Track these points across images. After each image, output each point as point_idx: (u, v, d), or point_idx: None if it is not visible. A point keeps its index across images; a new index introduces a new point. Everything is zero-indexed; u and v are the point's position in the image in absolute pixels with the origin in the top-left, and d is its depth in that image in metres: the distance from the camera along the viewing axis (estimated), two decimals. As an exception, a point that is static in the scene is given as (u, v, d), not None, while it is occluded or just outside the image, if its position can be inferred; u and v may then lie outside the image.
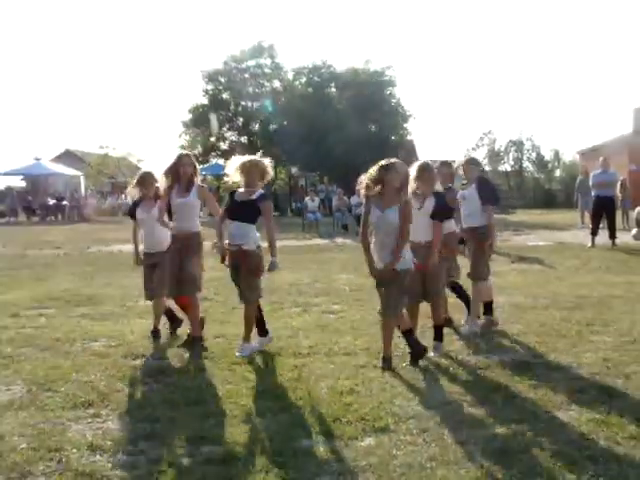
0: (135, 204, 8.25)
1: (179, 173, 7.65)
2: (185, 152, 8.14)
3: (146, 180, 8.08)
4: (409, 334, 6.82)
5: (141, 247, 8.28)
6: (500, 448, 4.64)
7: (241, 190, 7.26)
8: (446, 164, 8.41)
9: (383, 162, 6.59)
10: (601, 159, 18.77)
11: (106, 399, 5.75)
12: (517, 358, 6.91)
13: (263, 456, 4.54)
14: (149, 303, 10.07)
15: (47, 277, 13.37)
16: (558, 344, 7.43)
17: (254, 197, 7.15)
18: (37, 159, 41.58)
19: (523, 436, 4.84)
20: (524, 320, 8.59)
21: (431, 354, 7.00)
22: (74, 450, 4.66)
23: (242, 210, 7.15)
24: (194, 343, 7.52)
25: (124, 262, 15.83)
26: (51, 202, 36.58)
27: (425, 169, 7.11)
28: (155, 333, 7.99)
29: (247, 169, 7.21)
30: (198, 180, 7.85)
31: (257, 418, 5.28)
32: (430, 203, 7.10)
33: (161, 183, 7.81)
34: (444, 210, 7.23)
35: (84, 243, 20.97)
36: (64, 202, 36.38)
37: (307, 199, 28.73)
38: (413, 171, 7.02)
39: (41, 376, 6.40)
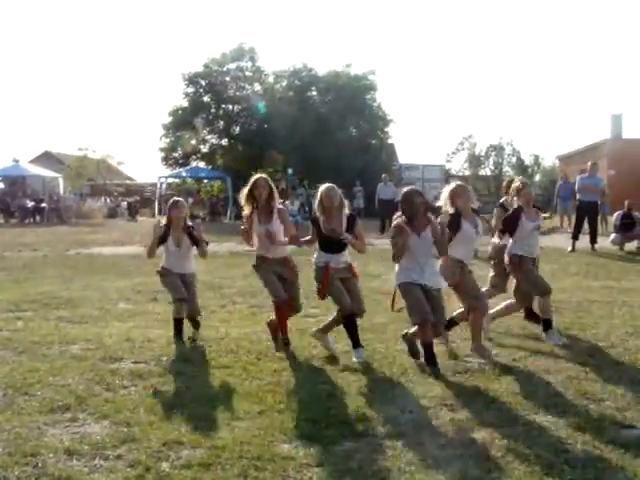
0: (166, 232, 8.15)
1: (255, 197, 7.59)
2: (259, 175, 7.87)
3: (179, 206, 8.19)
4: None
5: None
6: (478, 452, 4.65)
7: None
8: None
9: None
10: (590, 163, 18.67)
11: (83, 403, 5.70)
12: (496, 362, 6.92)
13: (242, 460, 4.52)
14: (127, 307, 10.08)
15: (25, 280, 13.25)
16: (537, 348, 7.46)
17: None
18: (15, 160, 41.20)
19: (501, 440, 4.85)
20: (504, 324, 8.61)
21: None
22: (50, 455, 4.62)
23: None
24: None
25: (103, 265, 15.78)
26: (29, 204, 36.26)
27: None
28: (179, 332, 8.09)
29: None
30: (277, 202, 7.73)
31: (236, 422, 5.26)
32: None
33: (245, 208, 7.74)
34: None
35: (63, 245, 20.82)
36: (43, 204, 36.11)
37: (287, 202, 28.69)
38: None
39: (18, 380, 6.34)
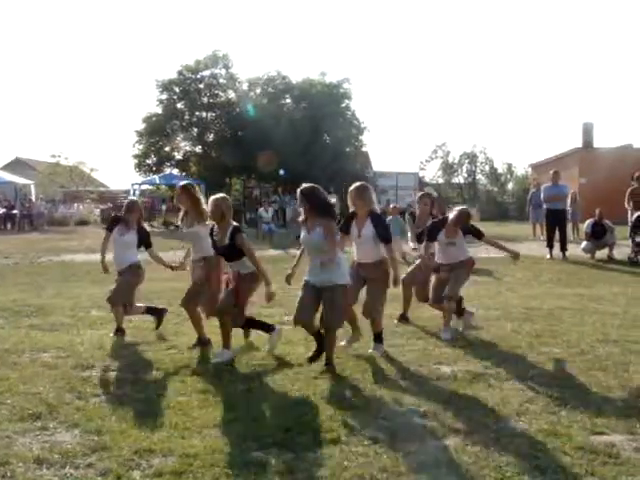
0: (115, 222, 8.92)
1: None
2: (182, 184, 8.54)
3: (131, 208, 8.82)
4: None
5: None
6: (451, 459, 4.67)
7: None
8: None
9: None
10: (551, 172, 19.11)
11: (54, 411, 5.65)
12: (468, 369, 6.96)
13: (214, 469, 4.50)
14: (100, 314, 10.00)
15: (-5, 287, 13.11)
16: (509, 355, 7.52)
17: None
18: (-14, 167, 40.95)
19: (473, 447, 4.88)
20: (476, 331, 8.66)
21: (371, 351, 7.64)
22: (20, 464, 4.57)
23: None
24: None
25: (75, 272, 15.66)
26: (1, 211, 35.93)
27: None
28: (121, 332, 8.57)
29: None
30: (204, 207, 8.04)
31: (209, 430, 5.24)
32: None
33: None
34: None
35: (34, 253, 20.65)
36: (14, 211, 35.77)
37: (261, 210, 28.58)
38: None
39: (-13, 388, 6.27)
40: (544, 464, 4.57)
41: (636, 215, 17.08)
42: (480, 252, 16.58)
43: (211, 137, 45.83)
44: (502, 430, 5.23)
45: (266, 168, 39.11)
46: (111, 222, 8.99)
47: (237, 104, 44.48)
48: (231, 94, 45.77)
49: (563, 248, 17.94)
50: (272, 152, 38.15)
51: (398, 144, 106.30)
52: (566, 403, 5.82)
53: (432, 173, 57.97)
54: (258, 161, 38.92)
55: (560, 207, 18.46)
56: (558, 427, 5.26)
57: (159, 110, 44.90)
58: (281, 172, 39.45)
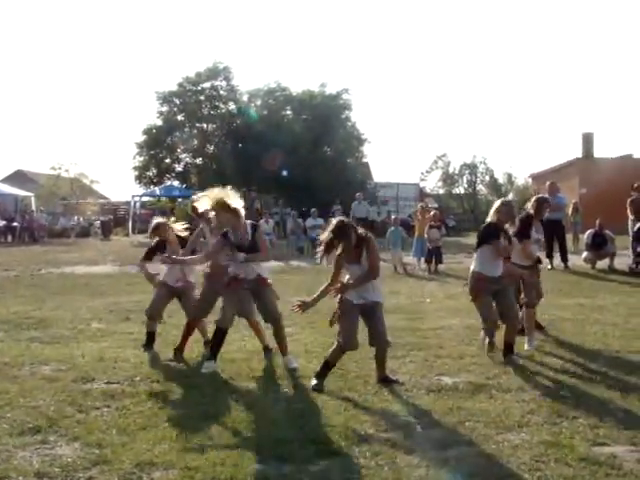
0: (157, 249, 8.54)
1: None
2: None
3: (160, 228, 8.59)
4: None
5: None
6: (453, 471, 4.65)
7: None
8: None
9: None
10: (547, 184, 19.09)
11: (55, 425, 5.63)
12: (470, 380, 6.94)
13: (215, 481, 4.49)
14: (100, 326, 9.99)
15: (-4, 300, 13.10)
16: (510, 366, 7.49)
17: None
18: (-13, 179, 41.04)
19: (474, 458, 4.86)
20: (477, 342, 8.64)
21: None
22: (20, 478, 4.55)
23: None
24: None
25: (76, 284, 15.65)
26: (1, 223, 35.94)
27: None
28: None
29: None
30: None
31: (209, 442, 5.22)
32: None
33: None
34: None
35: (35, 265, 20.64)
36: (15, 223, 35.79)
37: (262, 222, 28.61)
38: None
39: (-13, 401, 6.25)
40: (546, 476, 4.55)
41: (638, 226, 17.10)
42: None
43: (212, 149, 45.87)
44: (504, 441, 5.21)
45: (269, 167, 39.05)
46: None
47: (238, 116, 44.49)
48: (231, 106, 45.81)
49: (564, 258, 17.94)
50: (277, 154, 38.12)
51: (399, 155, 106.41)
52: (568, 414, 5.80)
53: (433, 184, 58.26)
54: (263, 163, 38.80)
55: (556, 218, 18.41)
56: (560, 438, 5.24)
57: (159, 122, 44.96)
58: (284, 173, 39.44)
